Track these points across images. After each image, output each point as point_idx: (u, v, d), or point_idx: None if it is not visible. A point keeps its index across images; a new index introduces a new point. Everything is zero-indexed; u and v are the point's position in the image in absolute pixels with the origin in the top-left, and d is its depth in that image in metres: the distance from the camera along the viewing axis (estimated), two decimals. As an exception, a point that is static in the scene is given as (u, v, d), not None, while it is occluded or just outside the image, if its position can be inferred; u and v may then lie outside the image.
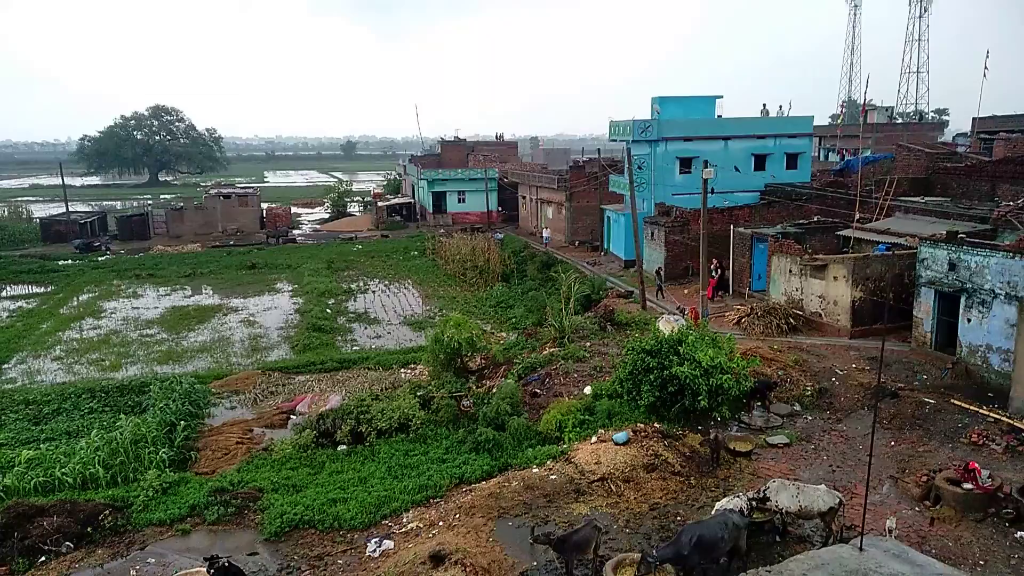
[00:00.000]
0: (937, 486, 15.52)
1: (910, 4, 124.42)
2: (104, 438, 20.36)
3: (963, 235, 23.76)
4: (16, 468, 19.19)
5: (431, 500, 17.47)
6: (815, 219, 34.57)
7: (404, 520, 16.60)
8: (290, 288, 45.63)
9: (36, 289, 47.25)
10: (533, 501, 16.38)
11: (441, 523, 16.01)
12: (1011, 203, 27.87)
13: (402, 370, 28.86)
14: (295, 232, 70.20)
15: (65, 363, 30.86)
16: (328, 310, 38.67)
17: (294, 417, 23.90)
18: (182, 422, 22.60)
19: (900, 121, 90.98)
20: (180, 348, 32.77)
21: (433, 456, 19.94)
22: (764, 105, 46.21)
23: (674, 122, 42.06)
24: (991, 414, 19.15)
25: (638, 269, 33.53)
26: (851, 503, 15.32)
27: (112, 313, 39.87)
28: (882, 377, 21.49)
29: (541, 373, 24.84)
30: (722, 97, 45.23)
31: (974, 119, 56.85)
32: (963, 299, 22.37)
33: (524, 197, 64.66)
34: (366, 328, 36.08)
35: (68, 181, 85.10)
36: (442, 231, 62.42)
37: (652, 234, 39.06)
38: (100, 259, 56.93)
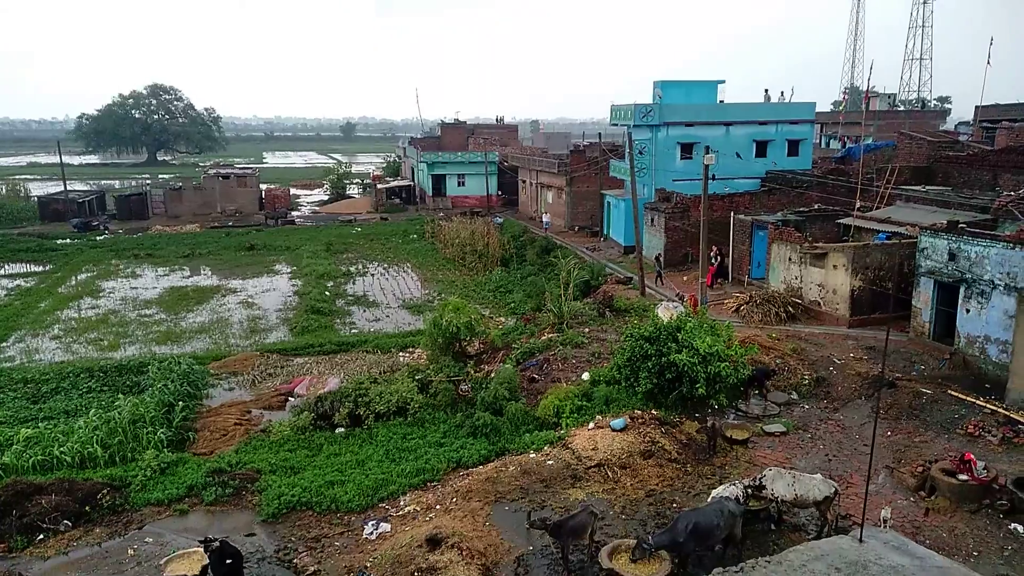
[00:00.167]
0: (932, 477, 15.59)
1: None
2: (102, 418, 20.41)
3: (963, 225, 23.71)
4: (14, 446, 19.21)
5: (428, 484, 17.52)
6: (816, 207, 34.49)
7: (401, 503, 16.67)
8: (289, 270, 45.58)
9: (34, 268, 47.20)
10: (530, 486, 16.44)
11: (438, 507, 16.08)
12: (1012, 193, 27.79)
13: (400, 354, 28.88)
14: (294, 214, 70.03)
15: (63, 342, 30.86)
16: (327, 292, 38.64)
17: (292, 399, 23.94)
18: (180, 403, 22.64)
19: (902, 109, 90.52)
20: (179, 329, 32.77)
21: (431, 440, 20.00)
22: (766, 91, 46.00)
23: (676, 107, 41.84)
24: (988, 405, 19.21)
25: (637, 255, 33.50)
26: (846, 492, 15.42)
27: (110, 293, 39.83)
28: (880, 367, 21.57)
29: (539, 358, 24.86)
30: (724, 82, 45.04)
31: (977, 107, 56.57)
32: (962, 289, 22.36)
33: (524, 181, 64.46)
34: (365, 311, 36.08)
35: (66, 160, 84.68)
36: (441, 214, 62.28)
37: (652, 220, 38.98)
38: (98, 238, 56.82)
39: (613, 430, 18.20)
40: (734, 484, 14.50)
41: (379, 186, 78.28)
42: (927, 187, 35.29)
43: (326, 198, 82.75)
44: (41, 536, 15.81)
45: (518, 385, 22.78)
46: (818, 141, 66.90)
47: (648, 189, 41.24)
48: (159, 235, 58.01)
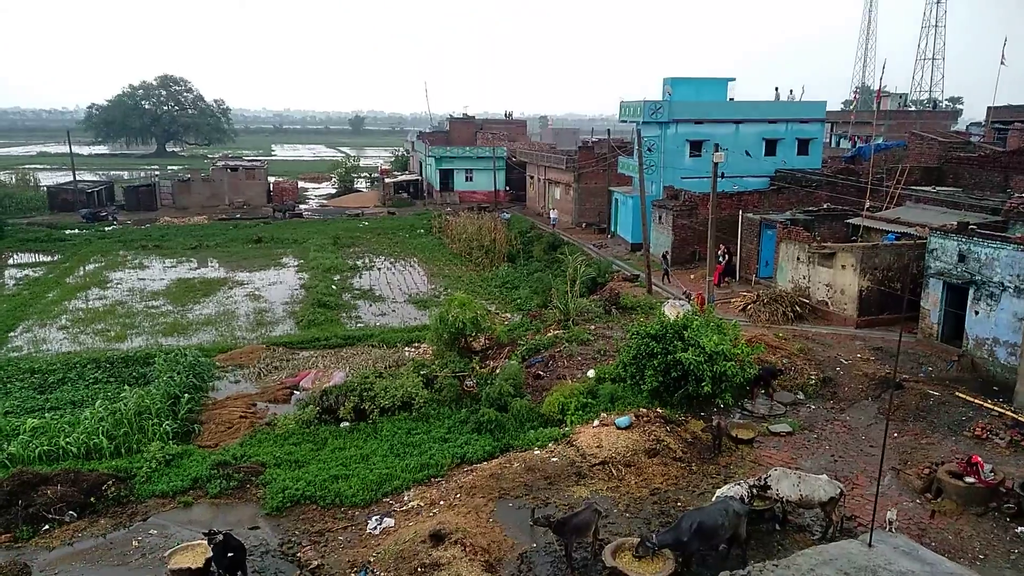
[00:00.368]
0: (939, 479, 15.50)
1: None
2: (108, 409, 20.49)
3: (974, 226, 23.56)
4: (21, 436, 19.30)
5: (432, 479, 17.52)
6: (825, 206, 34.33)
7: (405, 498, 16.67)
8: (296, 263, 45.63)
9: (43, 258, 47.38)
10: (534, 483, 16.42)
11: (442, 502, 16.08)
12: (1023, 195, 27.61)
13: (406, 348, 28.88)
14: (302, 207, 70.07)
15: (70, 333, 30.96)
16: (333, 286, 38.66)
17: (297, 393, 23.96)
18: (186, 395, 22.68)
19: (913, 109, 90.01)
20: (185, 320, 32.84)
21: (435, 435, 19.99)
22: (776, 89, 45.74)
23: (685, 104, 41.66)
24: (996, 408, 19.08)
25: (645, 253, 33.43)
26: (852, 493, 15.35)
27: (118, 284, 39.95)
28: (887, 368, 21.49)
29: (545, 355, 24.83)
30: (734, 80, 44.82)
31: (989, 108, 56.18)
32: (971, 291, 22.22)
33: (532, 177, 64.36)
34: (371, 305, 36.10)
35: (76, 150, 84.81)
36: (449, 209, 62.22)
37: (660, 217, 38.86)
38: (107, 229, 56.98)
39: (618, 428, 18.16)
40: (739, 484, 14.46)
41: (387, 180, 78.26)
42: (937, 188, 35.10)
43: (334, 192, 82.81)
44: (47, 526, 15.87)
45: (523, 381, 22.76)
46: (828, 140, 66.58)
47: (656, 186, 41.10)
48: (167, 226, 58.17)
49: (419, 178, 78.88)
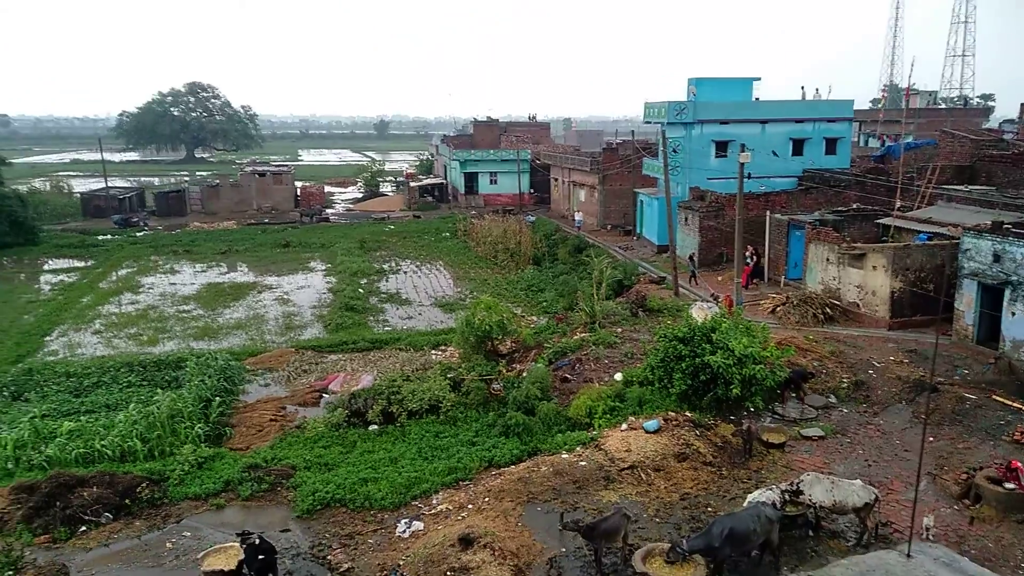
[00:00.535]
0: (977, 484, 15.19)
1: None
2: (142, 412, 20.79)
3: (1008, 225, 23.10)
4: (58, 439, 19.65)
5: (460, 483, 17.56)
6: (854, 206, 33.88)
7: (434, 502, 16.73)
8: (323, 267, 46.01)
9: (76, 263, 48.24)
10: (562, 487, 16.38)
11: (470, 506, 16.09)
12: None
13: (433, 352, 28.98)
14: (328, 211, 70.61)
15: (104, 337, 31.49)
16: (360, 290, 38.93)
17: (326, 396, 24.16)
18: (217, 398, 22.96)
19: (944, 106, 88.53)
20: (216, 324, 33.25)
21: (463, 439, 20.03)
22: (803, 88, 45.37)
23: (710, 104, 41.36)
24: (1034, 411, 18.67)
25: (671, 255, 33.22)
26: (887, 499, 15.11)
27: (150, 288, 40.58)
28: (921, 371, 21.14)
29: (571, 358, 24.77)
30: (760, 79, 44.40)
31: (1022, 104, 55.09)
32: (1007, 292, 21.79)
33: (556, 179, 64.29)
34: (398, 309, 36.28)
35: (107, 156, 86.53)
36: (474, 212, 62.37)
37: (686, 219, 38.61)
38: (138, 234, 57.90)
39: (646, 432, 18.06)
40: (771, 489, 14.30)
41: (412, 184, 78.65)
42: (970, 187, 34.49)
43: (360, 196, 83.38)
44: (83, 528, 16.14)
45: (550, 385, 22.72)
46: (856, 139, 65.68)
47: (682, 187, 40.84)
48: (197, 232, 58.94)
49: (444, 182, 79.16)
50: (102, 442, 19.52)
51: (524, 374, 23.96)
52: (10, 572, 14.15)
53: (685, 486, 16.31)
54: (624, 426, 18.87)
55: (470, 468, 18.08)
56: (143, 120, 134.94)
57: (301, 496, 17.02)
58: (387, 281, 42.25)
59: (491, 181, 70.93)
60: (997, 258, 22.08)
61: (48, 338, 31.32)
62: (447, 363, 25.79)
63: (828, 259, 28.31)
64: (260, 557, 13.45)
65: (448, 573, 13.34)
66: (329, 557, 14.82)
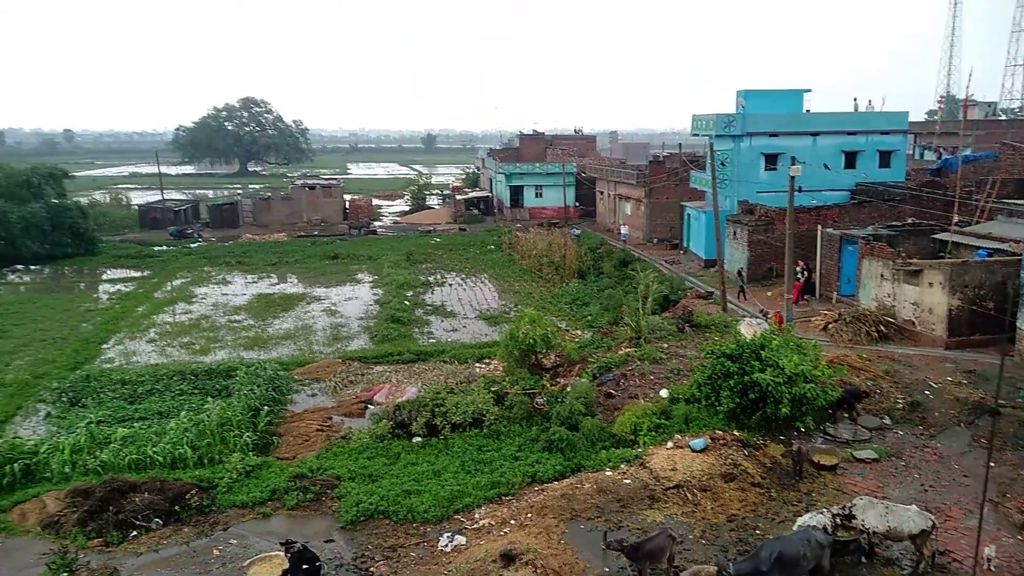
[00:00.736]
0: (1042, 513, 14.54)
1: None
2: (192, 420, 21.24)
3: (1076, 243, 22.19)
4: (112, 444, 20.17)
5: (503, 497, 17.48)
6: (909, 221, 32.98)
7: (476, 516, 16.67)
8: (370, 279, 46.56)
9: (133, 273, 49.72)
10: (606, 505, 16.18)
11: (513, 521, 16.00)
12: None
13: (477, 364, 29.02)
14: (376, 224, 71.51)
15: (158, 345, 32.31)
16: (406, 302, 39.26)
17: (372, 407, 24.36)
18: (265, 407, 23.34)
19: (1004, 118, 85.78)
20: (265, 335, 33.85)
21: (506, 453, 19.95)
22: (855, 100, 44.37)
23: (759, 116, 40.82)
24: (1103, 437, 17.82)
25: (719, 269, 32.75)
26: (944, 526, 14.56)
27: (203, 298, 41.55)
28: (980, 392, 20.39)
29: (616, 373, 24.54)
30: (810, 91, 43.70)
31: (1089, 116, 53.00)
32: (1074, 312, 20.89)
33: (602, 192, 64.06)
34: (442, 321, 36.47)
35: (164, 170, 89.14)
36: (519, 225, 62.51)
37: (734, 233, 38.05)
38: (192, 246, 59.43)
39: (693, 450, 17.76)
40: (822, 512, 13.91)
41: (458, 197, 79.25)
42: (1033, 201, 33.22)
43: (407, 208, 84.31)
44: (134, 532, 16.50)
45: (594, 400, 22.52)
46: (911, 152, 64.02)
47: (730, 201, 40.29)
48: (249, 243, 60.25)
49: (489, 195, 79.56)
50: (154, 449, 19.98)
51: (568, 389, 23.81)
52: (65, 573, 14.53)
53: (732, 507, 15.96)
54: (670, 444, 18.58)
55: (513, 483, 17.99)
56: (199, 134, 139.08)
57: (345, 507, 17.13)
58: (432, 293, 42.53)
59: (536, 194, 71.02)
60: (1063, 276, 21.21)
61: (105, 346, 32.26)
62: (491, 376, 25.77)
63: (882, 275, 27.56)
64: (304, 567, 13.56)
65: (490, 589, 13.26)
66: (372, 569, 14.87)
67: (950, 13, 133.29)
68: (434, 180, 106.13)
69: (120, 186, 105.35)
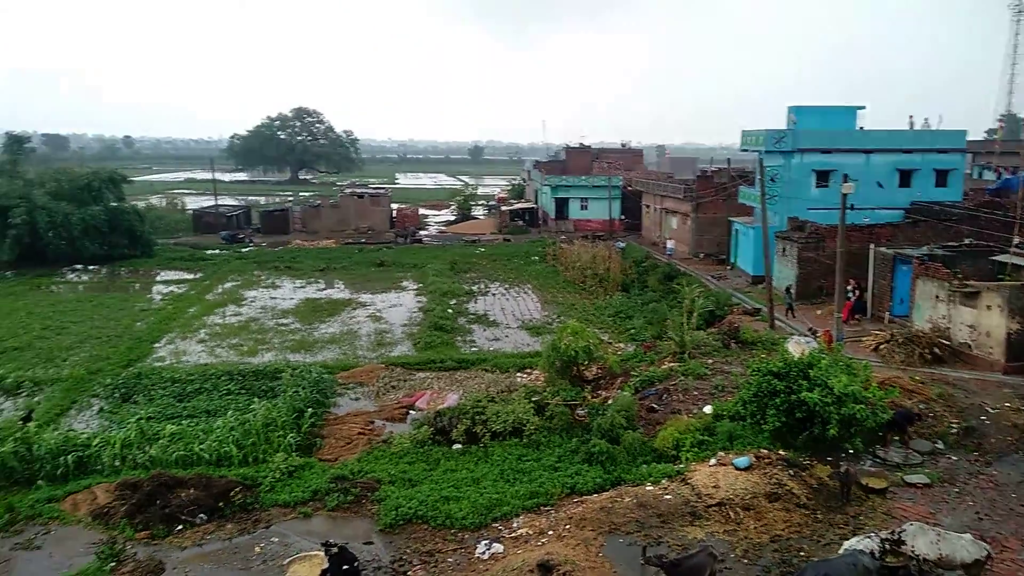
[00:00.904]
0: (1104, 547, 13.90)
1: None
2: (239, 419, 21.67)
3: None
4: (161, 440, 20.66)
5: (541, 507, 17.40)
6: (966, 242, 32.01)
7: (514, 525, 16.63)
8: (415, 287, 46.97)
9: (186, 275, 50.99)
10: (646, 520, 15.98)
11: (551, 532, 15.90)
12: None
13: (518, 374, 29.00)
14: (422, 233, 72.20)
15: (208, 346, 33.04)
16: (449, 310, 39.47)
17: (413, 412, 24.50)
18: (309, 409, 23.65)
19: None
20: (311, 338, 34.36)
21: (545, 463, 19.87)
22: (911, 117, 43.42)
23: (811, 132, 40.18)
24: None
25: (767, 286, 32.20)
26: (1000, 557, 14.01)
27: (252, 301, 42.39)
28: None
29: (659, 388, 24.28)
30: (864, 108, 42.92)
31: None
32: None
33: (648, 206, 63.66)
34: (485, 330, 36.56)
35: (218, 176, 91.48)
36: (563, 237, 62.43)
37: (784, 250, 37.42)
38: (243, 250, 60.74)
39: (736, 468, 17.43)
40: (869, 536, 13.50)
41: (503, 208, 79.55)
42: (1100, 224, 31.97)
43: (452, 218, 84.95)
44: (180, 527, 16.86)
45: (636, 414, 22.30)
46: (970, 171, 62.30)
47: (780, 217, 39.67)
48: (298, 249, 61.32)
49: (535, 206, 79.70)
50: (201, 446, 20.41)
51: (609, 402, 23.63)
52: (113, 563, 14.92)
53: (776, 528, 15.61)
54: (713, 461, 18.28)
55: (552, 493, 17.91)
56: (252, 143, 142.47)
57: (385, 510, 17.25)
58: (476, 302, 42.70)
59: (582, 207, 70.92)
60: None
61: (157, 345, 33.10)
62: (532, 386, 25.74)
63: (938, 296, 26.81)
64: (344, 568, 13.67)
65: (526, 599, 13.19)
66: (409, 573, 14.93)
67: (1011, 28, 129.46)
68: (480, 191, 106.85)
69: (176, 191, 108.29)
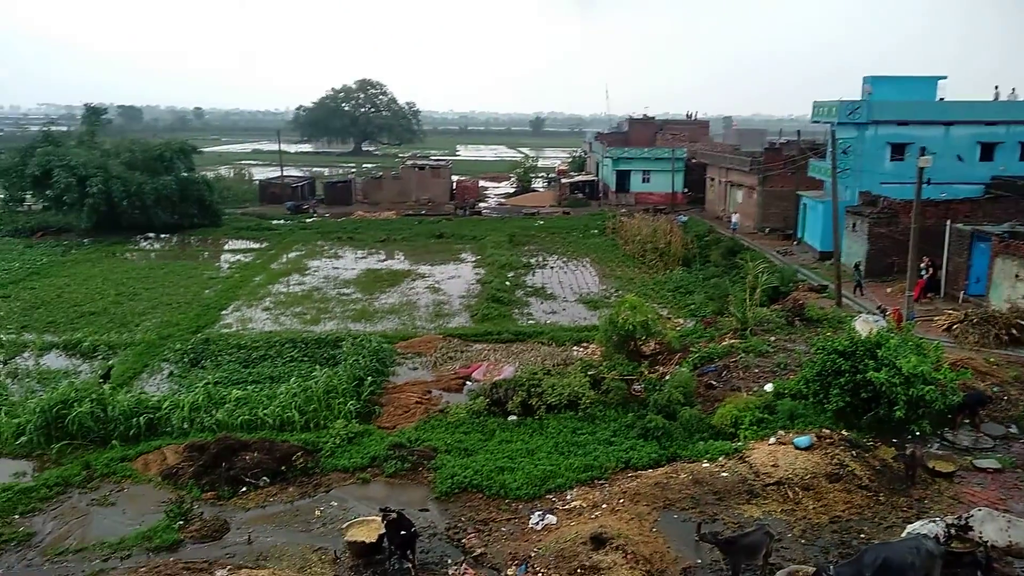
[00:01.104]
0: None
1: None
2: (301, 386, 22.22)
3: None
4: (227, 405, 21.39)
5: (596, 481, 17.39)
6: (1053, 219, 30.35)
7: (568, 497, 16.67)
8: (473, 259, 47.17)
9: (252, 244, 52.36)
10: (702, 497, 15.83)
11: (604, 505, 15.91)
12: None
13: (575, 348, 28.91)
14: (481, 205, 72.27)
15: (273, 314, 33.91)
16: (507, 282, 39.53)
17: (469, 383, 24.72)
18: (369, 377, 24.10)
19: None
20: (372, 308, 34.92)
21: (600, 437, 19.81)
22: (996, 87, 41.01)
23: (887, 104, 38.49)
24: None
25: (835, 262, 31.20)
26: (1076, 547, 13.36)
27: (315, 271, 43.29)
28: None
29: (718, 364, 23.90)
30: (945, 78, 40.79)
31: None
32: None
33: (712, 179, 62.28)
34: (542, 303, 36.52)
35: (284, 147, 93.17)
36: (624, 211, 61.65)
37: (854, 225, 36.16)
38: (307, 220, 61.95)
39: (797, 448, 17.09)
40: (934, 521, 13.10)
41: (563, 180, 78.96)
42: None
43: (512, 191, 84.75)
44: (244, 489, 17.47)
45: (694, 390, 22.02)
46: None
47: (851, 191, 38.31)
48: (360, 220, 62.19)
49: (595, 179, 78.87)
50: (264, 411, 21.04)
51: (667, 377, 23.37)
52: (181, 522, 15.58)
53: (836, 508, 15.26)
54: (772, 440, 17.95)
55: (606, 467, 17.87)
56: (317, 114, 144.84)
57: (441, 478, 17.51)
58: (533, 275, 42.65)
59: (643, 179, 69.83)
60: None
61: (224, 312, 34.14)
62: (588, 360, 25.64)
63: (1017, 275, 25.57)
64: (401, 533, 13.96)
65: (579, 571, 13.25)
66: (464, 541, 15.14)
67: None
68: (540, 163, 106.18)
69: (243, 162, 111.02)
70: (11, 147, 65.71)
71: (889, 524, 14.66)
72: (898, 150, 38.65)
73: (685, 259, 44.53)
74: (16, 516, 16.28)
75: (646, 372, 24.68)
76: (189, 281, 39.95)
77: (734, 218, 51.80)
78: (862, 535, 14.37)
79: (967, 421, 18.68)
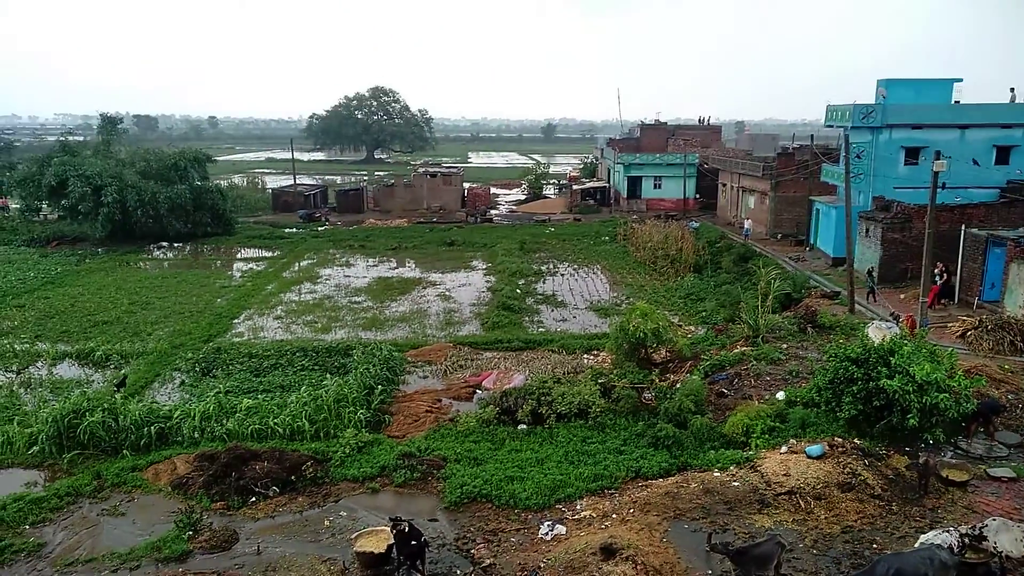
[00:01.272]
0: None
1: None
2: (311, 395, 22.24)
3: None
4: (237, 414, 21.44)
5: (605, 491, 17.29)
6: (1070, 223, 29.99)
7: (577, 507, 16.59)
8: (484, 266, 47.20)
9: (265, 253, 52.65)
10: (712, 506, 15.70)
11: (614, 515, 15.81)
12: None
13: (585, 356, 28.82)
14: (492, 212, 72.28)
15: (284, 322, 34.04)
16: (518, 290, 39.51)
17: (479, 392, 24.67)
18: (379, 386, 24.10)
19: None
20: (382, 316, 34.99)
21: (610, 446, 19.71)
22: (1012, 90, 40.52)
23: (901, 107, 38.22)
24: None
25: (848, 268, 30.96)
26: (1094, 559, 13.13)
27: (327, 279, 43.45)
28: None
29: (730, 372, 23.74)
30: (961, 80, 40.39)
31: None
32: None
33: (724, 184, 62.05)
34: (553, 311, 36.46)
35: (297, 156, 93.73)
36: (635, 217, 61.53)
37: (867, 230, 35.89)
38: (319, 229, 62.19)
39: (808, 456, 16.92)
40: (948, 531, 12.91)
41: (574, 187, 78.92)
42: None
43: (523, 197, 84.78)
44: (253, 499, 17.48)
45: (705, 398, 21.89)
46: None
47: (864, 196, 38.04)
48: (371, 228, 62.44)
49: (606, 185, 78.77)
50: (275, 420, 21.06)
51: (678, 385, 23.24)
52: (190, 532, 15.62)
53: (848, 518, 15.09)
54: (784, 448, 17.79)
55: (616, 477, 17.77)
56: (330, 122, 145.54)
57: (450, 488, 17.46)
58: (544, 283, 42.61)
59: (655, 185, 69.68)
60: None
61: (236, 320, 34.30)
62: (598, 368, 25.54)
63: (1033, 280, 25.23)
64: (411, 544, 13.92)
65: (587, 582, 13.15)
66: (472, 551, 15.09)
67: None
68: (552, 169, 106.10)
69: (256, 170, 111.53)
70: (29, 157, 66.51)
71: (902, 534, 14.47)
72: (912, 154, 38.36)
73: (696, 266, 44.37)
74: (27, 527, 16.38)
75: (657, 380, 24.55)
76: (201, 290, 40.19)
77: (746, 224, 51.56)
78: (875, 545, 14.19)
79: (981, 429, 18.42)
